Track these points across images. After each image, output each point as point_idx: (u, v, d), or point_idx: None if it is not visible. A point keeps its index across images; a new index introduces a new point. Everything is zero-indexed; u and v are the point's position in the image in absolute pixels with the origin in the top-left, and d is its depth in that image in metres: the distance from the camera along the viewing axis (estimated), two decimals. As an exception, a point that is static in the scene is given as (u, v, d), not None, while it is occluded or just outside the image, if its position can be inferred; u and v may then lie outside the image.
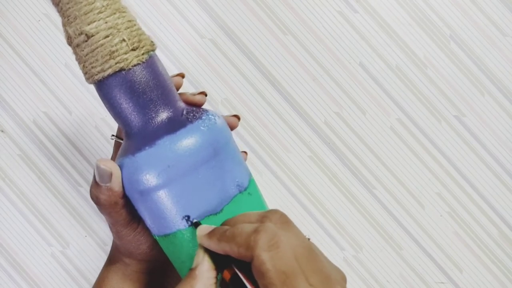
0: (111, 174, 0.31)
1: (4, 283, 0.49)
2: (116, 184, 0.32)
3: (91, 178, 0.49)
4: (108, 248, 0.49)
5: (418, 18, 0.49)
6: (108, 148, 0.50)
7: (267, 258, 0.28)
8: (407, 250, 0.49)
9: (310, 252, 0.29)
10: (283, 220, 0.31)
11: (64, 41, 0.49)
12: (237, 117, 0.41)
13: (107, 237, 0.50)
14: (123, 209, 0.33)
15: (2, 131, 0.50)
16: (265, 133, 0.49)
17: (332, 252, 0.49)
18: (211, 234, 0.30)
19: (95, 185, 0.32)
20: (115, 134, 0.40)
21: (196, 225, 0.32)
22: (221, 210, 0.33)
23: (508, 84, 0.49)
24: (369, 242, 0.49)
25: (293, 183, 0.49)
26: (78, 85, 0.50)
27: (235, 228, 0.30)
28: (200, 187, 0.32)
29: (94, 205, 0.49)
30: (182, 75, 0.40)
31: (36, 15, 0.50)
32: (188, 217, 0.32)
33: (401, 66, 0.49)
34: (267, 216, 0.31)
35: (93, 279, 0.49)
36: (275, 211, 0.31)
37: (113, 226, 0.35)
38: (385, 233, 0.49)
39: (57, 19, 0.50)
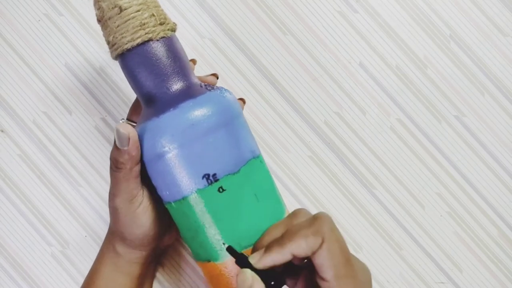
0: (128, 138, 0.33)
1: (4, 283, 0.49)
2: (133, 148, 0.33)
3: (91, 178, 0.50)
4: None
5: (418, 18, 0.49)
6: (108, 148, 0.50)
7: (335, 239, 0.30)
8: (407, 250, 0.49)
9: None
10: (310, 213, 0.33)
11: (64, 41, 0.50)
12: (242, 100, 0.43)
13: (107, 237, 0.50)
14: (136, 179, 0.35)
15: (2, 131, 0.50)
16: (265, 133, 0.49)
17: (332, 252, 0.49)
18: (267, 249, 0.31)
19: (115, 149, 0.34)
20: (120, 125, 0.40)
21: (229, 250, 0.33)
22: (239, 171, 0.34)
23: (508, 84, 0.49)
24: (369, 242, 0.49)
25: (293, 183, 0.49)
26: (78, 85, 0.50)
27: (290, 229, 0.31)
28: (219, 147, 0.34)
29: (94, 205, 0.49)
30: (194, 61, 0.42)
31: (36, 15, 0.50)
32: (208, 175, 0.33)
33: (401, 66, 0.49)
34: (298, 212, 0.33)
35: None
36: (300, 209, 0.33)
37: (118, 199, 0.36)
38: (385, 233, 0.49)
39: (57, 19, 0.50)
